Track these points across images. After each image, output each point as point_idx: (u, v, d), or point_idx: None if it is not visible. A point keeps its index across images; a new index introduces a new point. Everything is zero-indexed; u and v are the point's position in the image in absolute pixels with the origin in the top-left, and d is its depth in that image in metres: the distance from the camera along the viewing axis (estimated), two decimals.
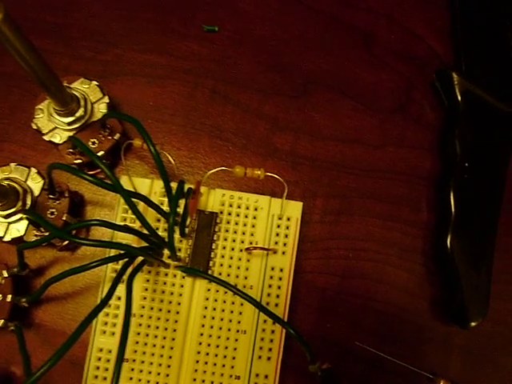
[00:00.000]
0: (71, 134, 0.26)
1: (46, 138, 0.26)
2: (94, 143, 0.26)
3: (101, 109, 0.26)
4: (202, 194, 0.24)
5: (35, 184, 0.26)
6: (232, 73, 0.28)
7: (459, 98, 0.27)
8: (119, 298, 0.24)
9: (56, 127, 0.26)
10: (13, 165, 0.26)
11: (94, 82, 0.26)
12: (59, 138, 0.26)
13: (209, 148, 0.28)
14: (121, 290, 0.24)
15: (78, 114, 0.25)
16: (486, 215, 0.27)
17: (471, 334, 0.27)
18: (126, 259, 0.22)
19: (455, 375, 0.26)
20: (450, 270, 0.26)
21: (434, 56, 0.29)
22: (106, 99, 0.26)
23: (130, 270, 0.22)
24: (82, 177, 0.21)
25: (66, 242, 0.25)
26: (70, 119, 0.25)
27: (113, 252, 0.24)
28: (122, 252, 0.22)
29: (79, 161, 0.26)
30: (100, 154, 0.26)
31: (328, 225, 0.27)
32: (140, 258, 0.23)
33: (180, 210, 0.24)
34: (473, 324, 0.26)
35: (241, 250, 0.25)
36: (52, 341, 0.25)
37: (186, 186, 0.24)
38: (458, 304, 0.26)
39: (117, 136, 0.26)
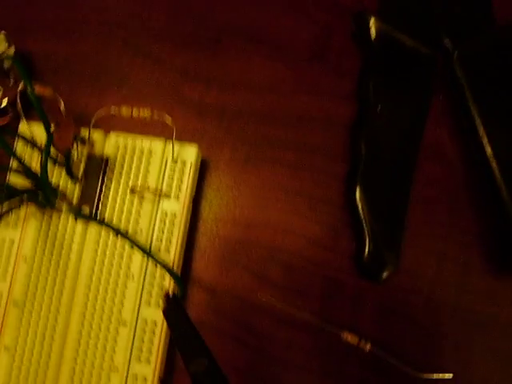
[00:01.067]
0: None
1: None
2: None
3: (6, 59, 0.26)
4: (79, 132, 0.24)
5: None
6: (144, 24, 0.28)
7: (374, 40, 0.26)
8: (13, 242, 0.24)
9: None
10: None
11: (3, 32, 0.27)
12: None
13: (116, 99, 0.27)
14: (14, 233, 0.24)
15: None
16: (398, 164, 0.25)
17: (385, 289, 0.25)
18: None
19: (367, 332, 0.25)
20: (359, 221, 0.25)
21: (356, 2, 0.28)
22: (12, 49, 0.27)
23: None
24: None
25: None
26: None
27: None
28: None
29: None
30: (4, 102, 0.26)
31: (234, 173, 0.26)
32: None
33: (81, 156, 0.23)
34: (384, 275, 0.24)
35: (132, 193, 0.24)
36: None
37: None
38: (368, 254, 0.24)
39: (21, 86, 0.26)
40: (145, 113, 0.23)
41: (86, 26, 0.28)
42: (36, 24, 0.29)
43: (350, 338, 0.24)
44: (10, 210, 0.22)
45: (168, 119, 0.23)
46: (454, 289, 0.25)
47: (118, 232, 0.23)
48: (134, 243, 0.22)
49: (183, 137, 0.26)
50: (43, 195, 0.23)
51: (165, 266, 0.21)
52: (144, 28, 0.28)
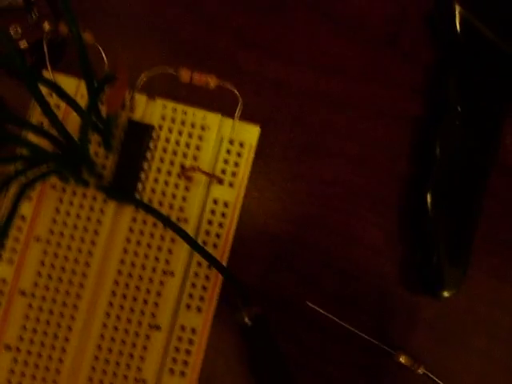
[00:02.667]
0: None
1: None
2: (16, 32, 0.21)
3: None
4: (133, 96, 0.19)
5: None
6: None
7: (458, 30, 0.23)
8: (23, 218, 0.20)
9: None
10: None
11: None
12: None
13: (157, 55, 0.23)
14: (27, 208, 0.20)
15: None
16: (474, 171, 0.23)
17: (441, 308, 0.23)
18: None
19: (419, 352, 0.22)
20: (428, 230, 0.22)
21: None
22: None
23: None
24: None
25: None
26: None
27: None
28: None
29: None
30: (22, 45, 0.21)
31: (290, 163, 0.23)
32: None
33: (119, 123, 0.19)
34: (446, 294, 0.22)
35: (178, 176, 0.20)
36: None
37: None
38: (433, 270, 0.22)
39: (45, 25, 0.21)
40: (208, 79, 0.19)
41: None
42: None
43: (403, 359, 0.22)
44: (28, 182, 0.18)
45: (235, 90, 0.19)
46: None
47: (161, 217, 0.19)
48: (182, 232, 0.18)
49: (232, 111, 0.22)
50: (71, 168, 0.18)
51: (223, 269, 0.18)
52: None
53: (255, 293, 0.22)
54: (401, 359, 0.22)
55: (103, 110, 0.19)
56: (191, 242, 0.19)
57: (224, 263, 0.20)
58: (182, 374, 0.19)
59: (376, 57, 0.24)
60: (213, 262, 0.19)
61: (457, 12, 0.23)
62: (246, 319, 0.16)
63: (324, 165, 0.23)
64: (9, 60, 0.16)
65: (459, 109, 0.23)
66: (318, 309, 0.22)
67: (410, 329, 0.23)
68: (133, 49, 0.23)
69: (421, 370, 0.22)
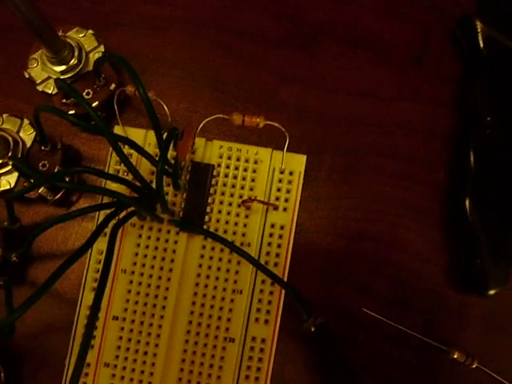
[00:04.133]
0: None
1: (39, 88, 0.25)
2: (88, 94, 0.25)
3: (96, 58, 0.25)
4: (195, 141, 0.22)
5: (27, 135, 0.25)
6: (234, 22, 0.27)
7: (482, 45, 0.25)
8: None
9: (49, 77, 0.25)
10: (5, 115, 0.25)
11: (90, 31, 0.25)
12: (52, 87, 0.25)
13: (209, 101, 0.26)
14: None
15: (71, 63, 0.24)
16: (508, 174, 0.25)
17: (489, 304, 0.24)
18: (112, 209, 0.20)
19: (471, 348, 0.24)
20: (469, 234, 0.24)
21: (454, 4, 0.27)
22: (102, 48, 0.25)
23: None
24: (65, 117, 0.20)
25: (59, 196, 0.24)
26: (63, 68, 0.24)
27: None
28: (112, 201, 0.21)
29: (73, 111, 0.25)
30: (94, 104, 0.25)
31: (336, 183, 0.25)
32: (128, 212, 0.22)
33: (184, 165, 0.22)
34: (492, 292, 0.24)
35: (239, 206, 0.23)
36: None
37: None
38: (477, 269, 0.24)
39: (112, 86, 0.25)
40: (257, 120, 0.22)
41: (172, 23, 0.27)
42: (120, 21, 0.27)
43: (457, 355, 0.24)
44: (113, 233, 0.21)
45: (281, 127, 0.22)
46: None
47: (227, 243, 0.21)
48: (247, 255, 0.21)
49: (280, 144, 0.25)
50: (148, 208, 0.22)
51: (288, 287, 0.20)
52: (234, 26, 0.27)
53: (315, 304, 0.24)
54: (454, 355, 0.24)
55: (171, 155, 0.22)
56: (255, 263, 0.22)
57: (285, 279, 0.23)
58: (256, 379, 0.22)
59: (406, 77, 0.26)
60: (276, 279, 0.21)
61: (478, 28, 0.25)
62: (312, 328, 0.18)
63: (367, 181, 0.25)
64: (90, 122, 0.20)
65: (488, 118, 0.24)
66: (373, 314, 0.24)
67: (460, 327, 0.24)
68: (187, 96, 0.26)
69: (474, 365, 0.24)
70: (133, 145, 0.21)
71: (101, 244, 0.23)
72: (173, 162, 0.22)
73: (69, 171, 0.22)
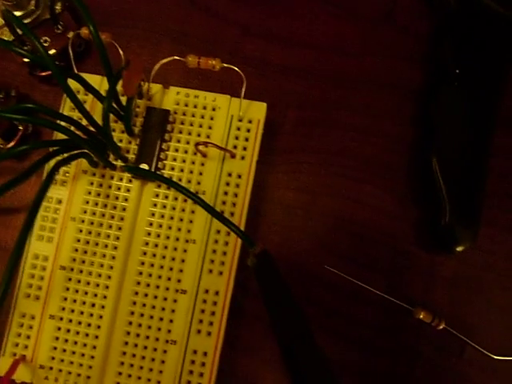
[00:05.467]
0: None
1: None
2: (45, 41, 0.24)
3: (56, 6, 0.24)
4: (144, 78, 0.21)
5: None
6: None
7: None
8: (60, 202, 0.22)
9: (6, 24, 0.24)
10: None
11: None
12: (9, 35, 0.24)
13: (170, 54, 0.25)
14: (62, 192, 0.22)
15: (28, 8, 0.24)
16: (477, 131, 0.24)
17: (459, 264, 0.23)
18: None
19: (439, 309, 0.23)
20: (436, 190, 0.23)
21: None
22: None
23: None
24: (12, 49, 0.19)
25: (11, 145, 0.23)
26: (20, 13, 0.24)
27: None
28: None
29: (27, 60, 0.24)
30: (51, 52, 0.24)
31: (300, 137, 0.24)
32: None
33: (139, 111, 0.21)
34: (459, 249, 0.23)
35: (195, 154, 0.22)
36: None
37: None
38: (445, 226, 0.23)
39: (70, 34, 0.24)
40: (213, 62, 0.21)
41: None
42: None
43: (423, 315, 0.23)
44: (56, 167, 0.20)
45: (238, 70, 0.21)
46: None
47: (181, 188, 0.20)
48: (201, 201, 0.20)
49: (239, 89, 0.24)
50: (99, 150, 0.21)
51: (238, 230, 0.19)
52: None
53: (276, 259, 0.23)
54: (420, 316, 0.23)
55: (124, 100, 0.21)
56: (209, 209, 0.21)
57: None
58: (209, 333, 0.21)
59: (374, 32, 0.26)
60: (221, 218, 0.20)
61: None
62: (252, 258, 0.17)
63: (331, 136, 0.24)
64: (42, 60, 0.19)
65: (457, 71, 0.24)
66: (336, 271, 0.23)
67: (428, 287, 0.23)
68: (147, 47, 0.25)
69: (442, 326, 0.23)
70: (80, 80, 0.20)
71: (51, 192, 0.22)
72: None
73: (20, 107, 0.21)
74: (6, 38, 0.24)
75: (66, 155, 0.20)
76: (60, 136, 0.22)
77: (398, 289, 0.23)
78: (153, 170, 0.22)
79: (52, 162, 0.20)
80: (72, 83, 0.22)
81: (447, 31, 0.24)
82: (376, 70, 0.25)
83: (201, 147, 0.21)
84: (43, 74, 0.24)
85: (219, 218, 0.20)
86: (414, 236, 0.24)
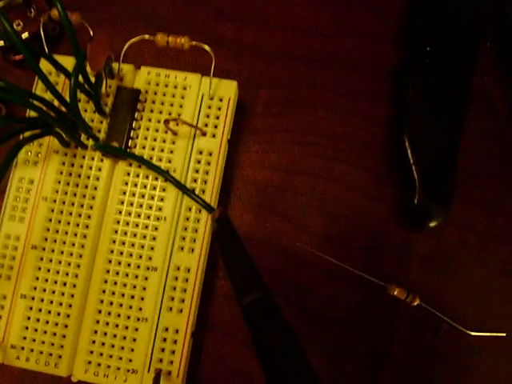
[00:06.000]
0: None
1: None
2: (18, 25, 0.24)
3: None
4: (111, 55, 0.21)
5: None
6: None
7: None
8: (32, 182, 0.22)
9: None
10: None
11: None
12: None
13: (141, 33, 0.25)
14: (34, 172, 0.22)
15: None
16: (449, 108, 0.24)
17: (434, 241, 0.23)
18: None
19: (413, 285, 0.23)
20: (408, 167, 0.23)
21: None
22: None
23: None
24: None
25: None
26: None
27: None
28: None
29: (2, 44, 0.24)
30: (24, 36, 0.24)
31: (272, 117, 0.24)
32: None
33: (110, 91, 0.21)
34: (431, 224, 0.23)
35: (166, 132, 0.22)
36: None
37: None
38: (416, 202, 0.23)
39: (44, 18, 0.24)
40: (182, 40, 0.21)
41: None
42: None
43: (397, 291, 0.22)
44: (22, 143, 0.20)
45: (207, 48, 0.21)
46: (506, 244, 0.23)
47: (151, 165, 0.20)
48: (170, 177, 0.20)
49: (216, 76, 0.24)
50: (69, 129, 0.21)
51: (207, 205, 0.19)
52: None
53: (249, 239, 0.23)
54: (394, 292, 0.23)
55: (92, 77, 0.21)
56: (179, 185, 0.21)
57: (213, 206, 0.22)
58: (180, 311, 0.21)
59: (348, 13, 0.26)
60: (179, 185, 0.20)
61: None
62: (213, 224, 0.17)
63: (304, 115, 0.24)
64: (10, 39, 0.19)
65: (428, 48, 0.24)
66: (308, 248, 0.23)
67: (403, 264, 0.23)
68: (120, 31, 0.26)
69: (416, 302, 0.22)
70: (53, 62, 0.20)
71: (23, 172, 0.22)
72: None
73: None
74: None
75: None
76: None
77: (373, 266, 0.23)
78: (123, 149, 0.22)
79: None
80: (44, 65, 0.23)
81: (418, 8, 0.24)
82: (351, 50, 0.25)
83: (171, 125, 0.21)
84: (17, 58, 0.25)
85: (186, 192, 0.20)
86: (388, 214, 0.24)
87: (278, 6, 0.26)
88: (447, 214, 0.23)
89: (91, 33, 0.21)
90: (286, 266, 0.23)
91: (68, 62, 0.23)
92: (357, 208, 0.24)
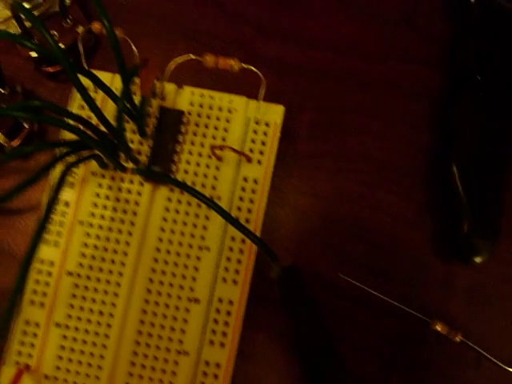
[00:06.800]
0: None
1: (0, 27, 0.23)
2: (53, 35, 0.23)
3: None
4: (160, 76, 0.21)
5: None
6: None
7: (474, 2, 0.24)
8: (67, 204, 0.21)
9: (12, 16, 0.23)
10: None
11: None
12: (15, 27, 0.23)
13: (184, 51, 0.24)
14: (70, 194, 0.21)
15: (36, 1, 0.23)
16: (498, 138, 0.23)
17: (476, 275, 0.23)
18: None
19: (455, 320, 0.22)
20: (455, 199, 0.22)
21: None
22: None
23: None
24: (20, 42, 0.18)
25: (16, 143, 0.22)
26: (27, 6, 0.23)
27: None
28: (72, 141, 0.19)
29: (35, 55, 0.23)
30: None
31: (315, 141, 0.24)
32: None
33: (152, 111, 0.20)
34: (477, 260, 0.22)
35: (209, 157, 0.21)
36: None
37: None
38: (463, 236, 0.22)
39: (80, 29, 0.23)
40: (232, 62, 0.20)
41: None
42: None
43: (440, 327, 0.22)
44: (71, 164, 0.19)
45: (258, 72, 0.20)
46: None
47: (196, 193, 0.20)
48: (217, 206, 0.19)
49: (256, 96, 0.23)
50: (110, 152, 0.20)
51: (271, 253, 0.18)
52: None
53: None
54: (437, 327, 0.22)
55: (136, 99, 0.20)
56: (225, 215, 0.20)
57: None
58: (222, 344, 0.20)
59: (393, 36, 0.25)
60: (240, 228, 0.19)
61: None
62: (278, 271, 0.17)
63: (348, 141, 0.24)
64: (51, 54, 0.18)
65: (479, 78, 0.23)
66: (351, 280, 0.22)
67: (445, 298, 0.23)
68: (160, 44, 0.24)
69: (458, 338, 0.22)
70: (94, 79, 0.19)
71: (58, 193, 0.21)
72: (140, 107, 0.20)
73: (27, 105, 0.20)
74: (11, 31, 0.23)
75: (75, 157, 0.19)
76: (67, 135, 0.21)
77: (414, 299, 0.23)
78: (166, 174, 0.21)
79: (59, 164, 0.19)
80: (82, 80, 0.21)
81: (468, 36, 0.24)
82: (394, 73, 0.25)
83: (217, 151, 0.20)
84: (50, 69, 0.23)
85: (238, 227, 0.19)
86: (430, 245, 0.23)
87: (322, 24, 0.25)
88: (493, 248, 0.22)
89: (135, 50, 0.20)
90: (325, 296, 0.22)
91: (106, 78, 0.22)
92: (398, 238, 0.23)
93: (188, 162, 0.21)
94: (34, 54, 0.23)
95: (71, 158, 0.19)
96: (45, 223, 0.16)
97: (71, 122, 0.19)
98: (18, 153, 0.19)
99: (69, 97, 0.24)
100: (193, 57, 0.20)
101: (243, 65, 0.20)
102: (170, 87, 0.22)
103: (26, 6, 0.23)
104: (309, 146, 0.24)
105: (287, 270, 0.17)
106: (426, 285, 0.23)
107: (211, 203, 0.20)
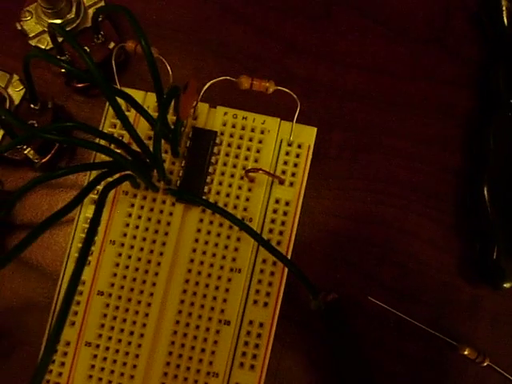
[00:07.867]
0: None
1: (32, 42, 0.23)
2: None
3: (96, 7, 0.23)
4: (198, 100, 0.20)
5: (16, 92, 0.23)
6: None
7: (506, 23, 0.24)
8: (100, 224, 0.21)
9: (43, 31, 0.23)
10: None
11: None
12: (46, 42, 0.23)
13: (213, 67, 0.24)
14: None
15: (68, 17, 0.23)
16: None
17: (503, 300, 0.23)
18: (105, 170, 0.18)
19: (483, 345, 0.22)
20: (485, 223, 0.22)
21: None
22: (102, 3, 0.23)
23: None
24: (56, 63, 0.18)
25: (47, 159, 0.22)
26: (59, 21, 0.23)
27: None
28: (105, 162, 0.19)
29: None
30: None
31: (345, 162, 0.24)
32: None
33: (184, 131, 0.20)
34: (507, 285, 0.22)
35: (242, 178, 0.21)
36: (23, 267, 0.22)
37: None
38: (493, 260, 0.22)
39: (111, 45, 0.23)
40: (267, 85, 0.20)
41: None
42: None
43: (468, 351, 0.22)
44: (108, 186, 0.19)
45: (293, 94, 0.20)
46: None
47: (228, 215, 0.19)
48: (249, 229, 0.19)
49: (288, 116, 0.23)
50: (143, 172, 0.20)
51: (311, 288, 0.18)
52: None
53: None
54: (465, 352, 0.22)
55: (169, 117, 0.20)
56: (257, 238, 0.20)
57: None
58: (252, 367, 0.20)
59: (424, 55, 0.25)
60: (279, 256, 0.19)
61: (503, 6, 0.24)
62: (321, 304, 0.17)
63: (378, 162, 0.24)
64: (83, 73, 0.18)
65: (511, 101, 0.23)
66: (379, 303, 0.22)
67: (472, 322, 0.23)
68: (191, 62, 0.24)
69: (486, 363, 0.22)
70: (130, 100, 0.19)
71: (89, 212, 0.21)
72: (173, 126, 0.20)
73: (58, 126, 0.20)
74: (42, 46, 0.23)
75: (110, 179, 0.19)
76: (99, 155, 0.21)
77: (441, 322, 0.23)
78: (198, 195, 0.21)
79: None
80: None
81: (501, 58, 0.24)
82: (425, 94, 0.24)
83: (251, 173, 0.20)
84: (80, 85, 0.23)
85: (272, 251, 0.19)
86: (459, 268, 0.23)
87: (352, 43, 0.25)
88: None
89: (169, 70, 0.20)
90: (353, 319, 0.22)
91: (139, 96, 0.22)
92: (427, 261, 0.23)
93: (220, 183, 0.21)
94: (63, 70, 0.23)
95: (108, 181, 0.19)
96: (85, 252, 0.16)
97: (102, 141, 0.19)
98: (47, 178, 0.19)
99: (97, 112, 0.24)
100: (229, 78, 0.20)
101: (278, 87, 0.20)
102: (202, 107, 0.22)
103: (58, 21, 0.22)
104: (338, 166, 0.24)
105: (330, 304, 0.17)
106: (453, 308, 0.23)
107: (243, 225, 0.20)
